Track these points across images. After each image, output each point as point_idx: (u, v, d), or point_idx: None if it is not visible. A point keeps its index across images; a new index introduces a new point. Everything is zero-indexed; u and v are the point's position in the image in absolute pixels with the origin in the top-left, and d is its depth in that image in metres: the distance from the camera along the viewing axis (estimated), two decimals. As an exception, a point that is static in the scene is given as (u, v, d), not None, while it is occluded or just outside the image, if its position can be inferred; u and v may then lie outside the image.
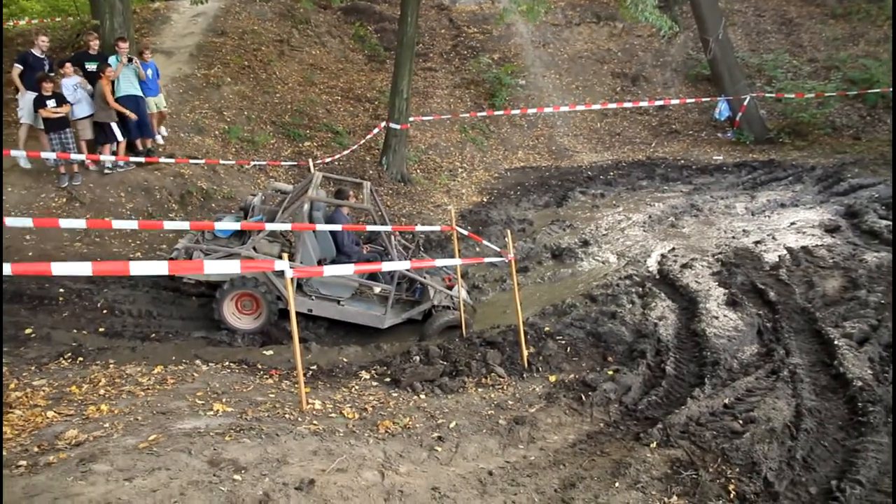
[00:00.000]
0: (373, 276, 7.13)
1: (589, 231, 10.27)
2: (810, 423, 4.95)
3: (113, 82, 9.53)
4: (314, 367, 5.86)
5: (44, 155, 8.88)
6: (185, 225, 6.94)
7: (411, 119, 12.77)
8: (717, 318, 6.98)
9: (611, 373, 5.81)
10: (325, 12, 18.28)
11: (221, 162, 10.64)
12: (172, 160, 10.02)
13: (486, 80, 16.99)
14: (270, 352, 6.28)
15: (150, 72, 10.12)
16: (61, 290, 7.21)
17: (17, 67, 9.24)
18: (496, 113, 15.86)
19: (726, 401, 5.34)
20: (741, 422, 4.98)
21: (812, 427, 4.91)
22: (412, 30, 11.59)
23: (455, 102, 16.46)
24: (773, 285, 7.71)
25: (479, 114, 15.81)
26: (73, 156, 8.94)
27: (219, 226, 6.84)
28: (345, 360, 6.22)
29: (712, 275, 8.22)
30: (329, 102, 14.66)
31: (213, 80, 13.28)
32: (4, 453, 3.65)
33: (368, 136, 12.95)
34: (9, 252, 7.94)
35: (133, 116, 9.62)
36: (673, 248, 9.31)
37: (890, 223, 9.29)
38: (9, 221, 5.35)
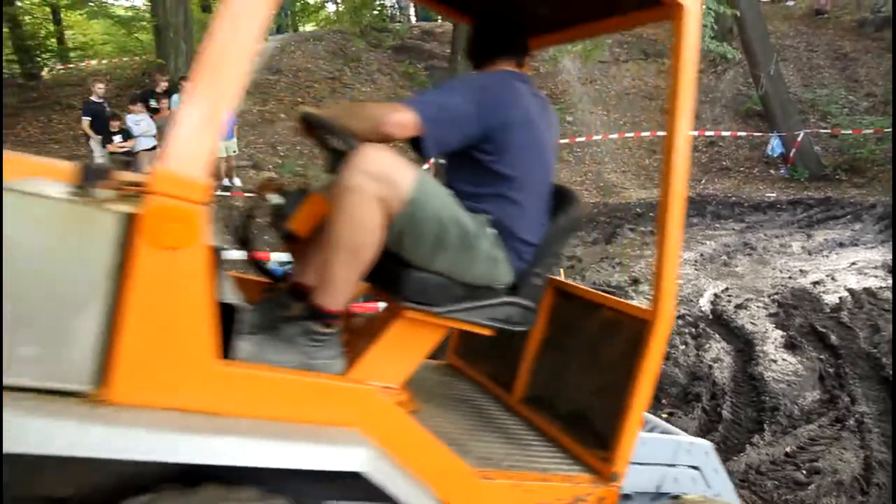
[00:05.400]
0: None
1: (639, 269, 10.12)
2: (882, 477, 4.71)
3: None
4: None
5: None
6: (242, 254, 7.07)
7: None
8: (775, 361, 6.75)
9: (665, 416, 5.66)
10: (375, 51, 18.79)
11: (275, 196, 10.90)
12: (228, 193, 10.35)
13: (534, 115, 17.08)
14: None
15: None
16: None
17: (86, 119, 9.73)
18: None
19: (788, 449, 5.12)
20: (805, 472, 4.77)
21: (884, 482, 4.67)
22: (463, 69, 11.81)
23: (502, 138, 16.58)
24: (835, 328, 7.43)
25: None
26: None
27: (274, 257, 6.98)
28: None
29: (769, 316, 7.98)
30: (379, 138, 14.95)
31: (268, 115, 13.75)
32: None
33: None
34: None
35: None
36: (726, 288, 9.09)
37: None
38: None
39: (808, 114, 16.99)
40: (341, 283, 1.83)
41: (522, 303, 2.13)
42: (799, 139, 15.48)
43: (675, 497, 2.63)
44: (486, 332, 2.12)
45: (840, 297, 8.29)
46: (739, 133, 16.96)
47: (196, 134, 1.45)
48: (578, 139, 16.05)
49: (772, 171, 16.34)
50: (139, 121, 9.61)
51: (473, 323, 2.05)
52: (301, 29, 24.83)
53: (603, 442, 2.27)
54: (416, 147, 1.93)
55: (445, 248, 1.88)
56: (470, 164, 2.06)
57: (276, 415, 1.58)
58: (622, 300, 2.59)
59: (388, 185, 1.75)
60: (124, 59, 18.31)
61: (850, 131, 15.07)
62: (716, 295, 8.83)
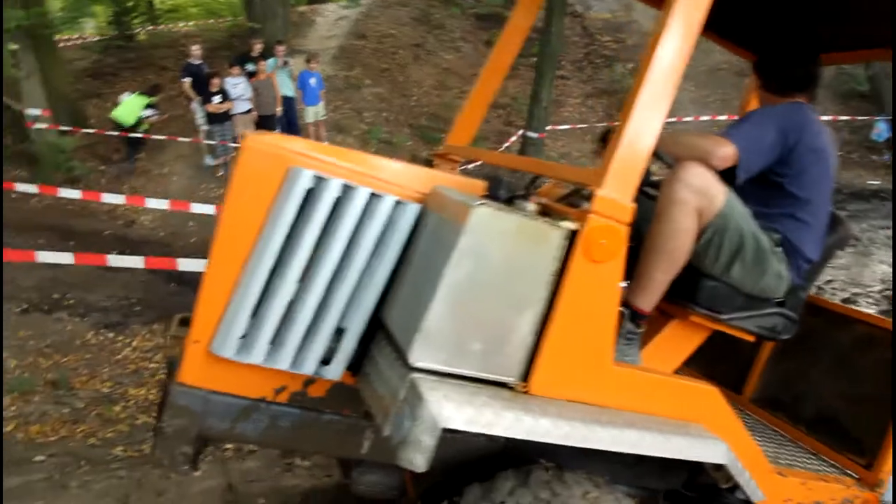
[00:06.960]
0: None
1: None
2: None
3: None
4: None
5: (206, 140, 9.72)
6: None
7: (547, 128, 12.67)
8: (890, 361, 6.39)
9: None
10: (459, 18, 18.51)
11: (363, 162, 10.99)
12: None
13: (620, 90, 16.56)
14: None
15: (313, 80, 10.57)
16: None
17: (187, 80, 9.97)
18: (630, 124, 15.43)
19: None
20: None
21: None
22: (556, 40, 11.52)
23: (587, 112, 16.18)
24: (956, 330, 6.96)
25: (615, 123, 15.46)
26: (232, 144, 9.63)
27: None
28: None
29: (880, 313, 7.56)
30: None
31: (354, 81, 13.78)
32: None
33: (506, 144, 12.96)
34: (175, 237, 8.58)
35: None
36: (830, 280, 8.65)
37: None
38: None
39: (920, 97, 15.85)
40: (658, 286, 1.98)
41: (788, 314, 2.26)
42: (907, 124, 14.50)
43: None
44: (750, 338, 2.25)
45: (960, 298, 7.77)
46: (841, 117, 15.97)
47: (630, 162, 1.63)
48: (668, 119, 15.46)
49: (874, 157, 15.35)
50: (237, 84, 9.78)
51: (744, 330, 2.19)
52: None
53: (861, 449, 2.44)
54: (722, 172, 2.07)
55: (741, 260, 2.05)
56: (763, 186, 2.19)
57: (645, 409, 1.77)
58: (877, 315, 2.64)
59: (707, 199, 1.94)
60: (210, 21, 18.66)
61: (967, 117, 14.00)
62: (819, 287, 8.41)
